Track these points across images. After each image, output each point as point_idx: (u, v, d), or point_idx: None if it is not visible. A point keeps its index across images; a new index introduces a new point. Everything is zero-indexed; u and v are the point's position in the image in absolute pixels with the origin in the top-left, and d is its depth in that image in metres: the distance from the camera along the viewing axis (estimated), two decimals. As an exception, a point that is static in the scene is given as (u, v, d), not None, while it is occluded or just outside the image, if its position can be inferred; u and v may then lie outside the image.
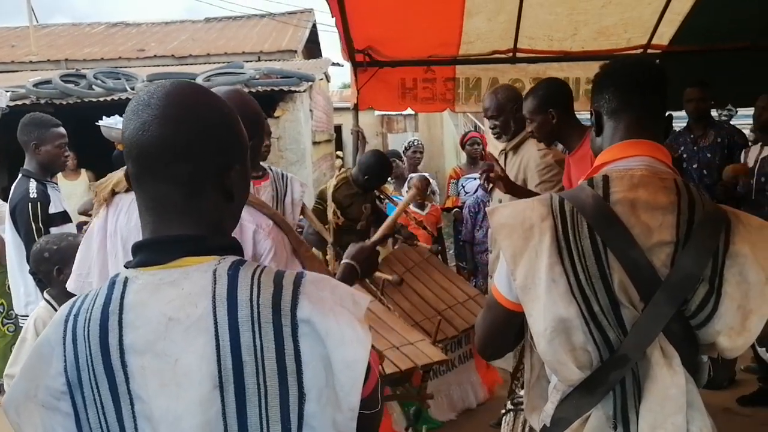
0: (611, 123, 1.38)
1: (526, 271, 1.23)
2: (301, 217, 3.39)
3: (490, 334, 1.41)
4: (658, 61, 4.62)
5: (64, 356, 0.93)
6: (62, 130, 3.44)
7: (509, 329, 1.39)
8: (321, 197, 3.92)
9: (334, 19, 4.07)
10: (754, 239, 1.21)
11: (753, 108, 4.09)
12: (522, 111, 3.09)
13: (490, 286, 1.41)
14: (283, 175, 3.43)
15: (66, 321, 0.95)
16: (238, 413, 0.89)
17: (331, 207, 3.77)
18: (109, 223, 1.73)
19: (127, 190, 1.71)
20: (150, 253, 0.94)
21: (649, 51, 4.65)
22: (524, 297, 1.24)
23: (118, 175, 1.73)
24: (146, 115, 0.93)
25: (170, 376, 0.89)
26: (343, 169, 3.96)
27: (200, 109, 0.96)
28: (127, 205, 1.68)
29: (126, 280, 0.94)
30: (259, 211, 1.68)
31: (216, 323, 0.89)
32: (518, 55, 4.80)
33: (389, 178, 4.87)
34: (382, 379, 2.08)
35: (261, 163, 3.27)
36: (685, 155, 4.31)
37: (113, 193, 1.74)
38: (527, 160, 3.19)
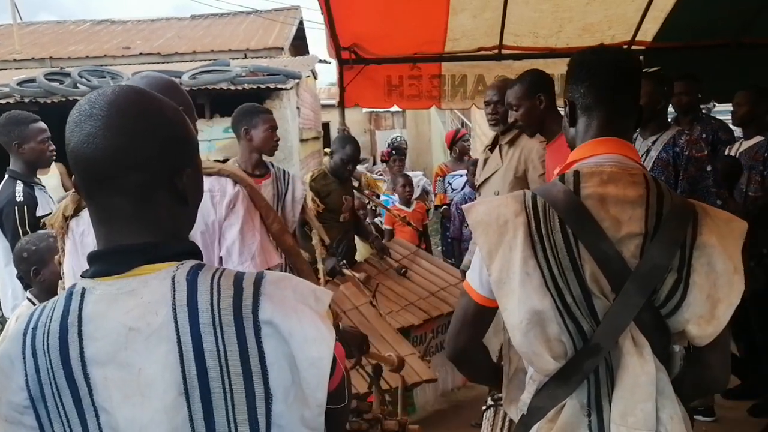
0: (584, 119, 1.40)
1: (500, 265, 1.26)
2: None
3: (458, 326, 1.43)
4: (642, 57, 4.66)
5: (25, 370, 0.91)
6: (42, 124, 3.39)
7: (478, 325, 1.41)
8: None
9: (323, 16, 4.08)
10: (722, 231, 1.25)
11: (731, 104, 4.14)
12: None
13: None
14: (284, 172, 3.45)
15: (24, 335, 0.93)
16: (205, 418, 0.89)
17: (309, 195, 3.78)
18: (78, 247, 1.72)
19: (75, 211, 1.73)
20: (106, 263, 0.92)
21: (633, 47, 4.69)
22: (499, 291, 1.27)
23: (63, 203, 1.74)
24: (89, 126, 0.90)
25: (134, 386, 0.88)
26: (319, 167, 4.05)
27: (145, 115, 0.93)
28: (88, 222, 1.65)
29: (83, 291, 0.92)
30: (205, 174, 1.60)
31: (177, 330, 0.88)
32: (504, 52, 4.84)
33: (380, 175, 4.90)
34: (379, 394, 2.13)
35: (264, 159, 3.30)
36: None
37: (66, 219, 1.73)
38: (528, 151, 3.19)
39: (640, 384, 1.22)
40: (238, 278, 0.93)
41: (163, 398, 0.87)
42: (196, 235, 1.74)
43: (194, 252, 0.98)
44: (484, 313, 1.38)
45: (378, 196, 5.67)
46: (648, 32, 4.61)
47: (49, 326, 0.91)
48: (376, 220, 5.63)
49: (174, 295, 0.89)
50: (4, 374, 0.93)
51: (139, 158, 0.91)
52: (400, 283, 3.83)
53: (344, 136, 4.28)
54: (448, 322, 3.65)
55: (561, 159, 2.66)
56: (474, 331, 1.42)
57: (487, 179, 3.38)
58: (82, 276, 0.95)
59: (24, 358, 0.91)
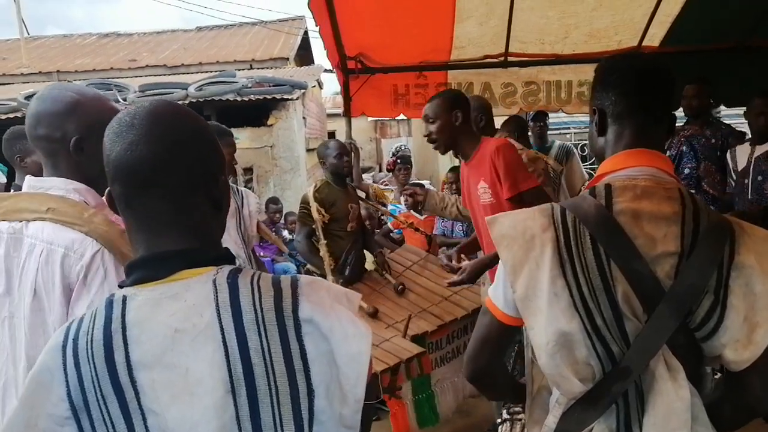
0: (615, 128, 1.33)
1: (526, 282, 1.21)
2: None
3: (479, 344, 1.37)
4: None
5: (66, 381, 0.93)
6: None
7: (500, 344, 1.37)
8: (303, 201, 3.93)
9: (318, 28, 4.05)
10: (760, 250, 1.18)
11: (740, 107, 4.11)
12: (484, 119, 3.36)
13: (483, 297, 1.39)
14: (237, 189, 3.49)
15: (64, 346, 0.95)
16: (251, 415, 0.92)
17: (314, 206, 3.77)
18: None
19: None
20: (147, 269, 0.96)
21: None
22: (524, 309, 1.22)
23: None
24: (132, 135, 0.95)
25: (182, 385, 0.91)
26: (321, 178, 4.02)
27: (182, 125, 0.99)
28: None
29: (124, 298, 0.95)
30: (69, 227, 1.44)
31: (222, 330, 0.91)
32: (510, 59, 4.81)
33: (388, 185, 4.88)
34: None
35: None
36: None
37: None
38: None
39: (675, 410, 1.15)
40: (275, 280, 0.98)
41: (212, 396, 0.90)
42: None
43: (229, 257, 1.02)
44: (508, 332, 1.33)
45: (385, 206, 5.64)
46: (655, 37, 4.59)
47: (92, 335, 0.93)
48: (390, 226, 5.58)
49: (217, 296, 0.93)
50: (43, 387, 0.94)
51: (179, 165, 0.96)
52: (412, 289, 3.80)
53: (323, 142, 4.25)
54: (464, 326, 3.69)
55: (485, 170, 2.75)
56: (496, 351, 1.37)
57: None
58: (120, 286, 0.98)
59: (65, 369, 0.93)
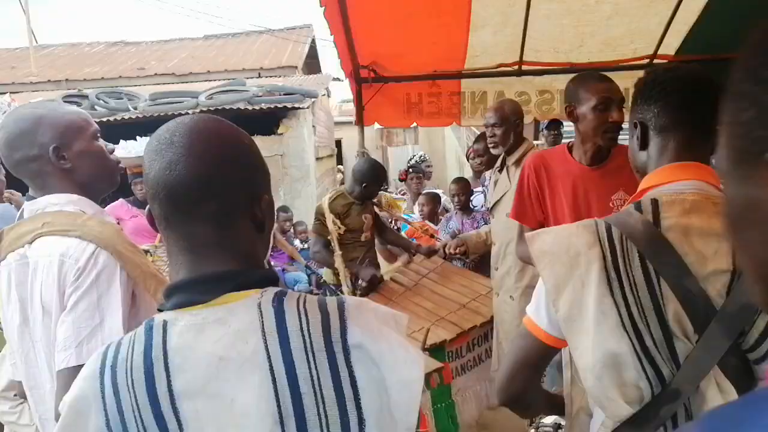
0: (658, 140, 1.30)
1: (570, 301, 1.17)
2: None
3: (517, 367, 1.31)
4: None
5: (105, 410, 0.89)
6: None
7: (541, 364, 1.32)
8: (318, 212, 3.93)
9: (333, 36, 4.05)
10: None
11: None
12: (521, 126, 3.45)
13: (497, 308, 1.34)
14: None
15: (102, 373, 0.90)
16: None
17: (329, 217, 3.76)
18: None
19: None
20: (189, 293, 0.91)
21: (656, 61, 4.63)
22: (568, 329, 1.18)
23: None
24: (171, 153, 0.90)
25: (227, 417, 0.86)
26: (337, 187, 3.98)
27: (224, 142, 0.94)
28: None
29: (165, 323, 0.90)
30: (65, 235, 1.45)
31: (269, 357, 0.87)
32: (524, 67, 4.78)
33: (388, 189, 4.84)
34: None
35: None
36: None
37: None
38: None
39: None
40: (322, 303, 0.93)
41: (260, 428, 0.85)
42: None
43: (273, 279, 0.97)
44: (550, 354, 1.28)
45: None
46: (671, 46, 4.55)
47: (132, 362, 0.88)
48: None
49: (262, 322, 0.88)
50: (81, 416, 0.90)
51: (222, 185, 0.91)
52: (429, 298, 3.77)
53: (373, 165, 4.07)
54: (484, 334, 3.65)
55: (621, 184, 2.55)
56: (535, 374, 1.33)
57: (498, 201, 3.39)
58: (159, 309, 0.93)
59: (103, 397, 0.89)
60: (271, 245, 3.37)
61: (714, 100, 1.28)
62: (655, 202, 1.21)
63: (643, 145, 1.32)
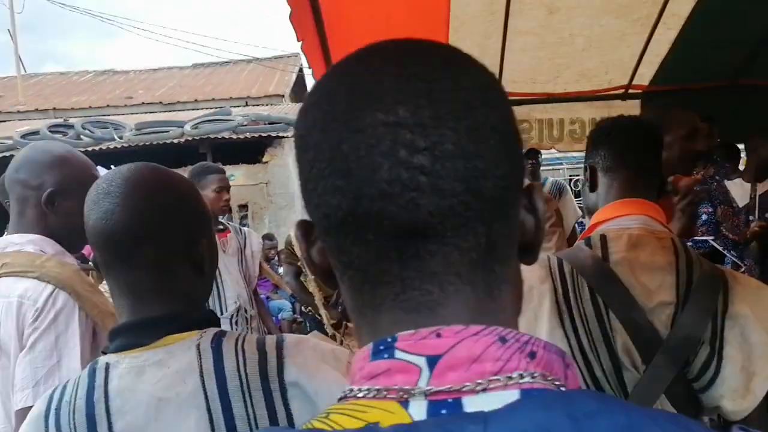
0: (606, 180, 1.36)
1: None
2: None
3: None
4: (639, 101, 4.70)
5: None
6: None
7: None
8: (287, 241, 3.99)
9: (300, 43, 4.06)
10: (753, 300, 1.19)
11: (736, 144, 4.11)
12: None
13: None
14: (239, 229, 3.52)
15: (47, 417, 0.92)
16: None
17: (296, 245, 3.79)
18: None
19: None
20: (131, 336, 0.93)
21: (630, 91, 4.73)
22: None
23: None
24: (107, 203, 0.92)
25: None
26: None
27: (160, 191, 0.96)
28: None
29: (107, 366, 0.92)
30: (23, 276, 1.44)
31: (207, 397, 0.89)
32: (502, 98, 4.86)
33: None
34: None
35: (219, 218, 3.32)
36: None
37: None
38: None
39: None
40: (260, 342, 0.95)
41: None
42: None
43: (213, 320, 1.00)
44: None
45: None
46: (644, 76, 4.65)
47: (74, 405, 0.90)
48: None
49: (201, 362, 0.90)
50: None
51: (157, 232, 0.93)
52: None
53: None
54: None
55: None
56: None
57: None
58: (103, 352, 0.96)
59: None
60: (255, 275, 3.34)
61: (656, 142, 1.35)
62: (603, 238, 1.26)
63: (593, 186, 1.39)
